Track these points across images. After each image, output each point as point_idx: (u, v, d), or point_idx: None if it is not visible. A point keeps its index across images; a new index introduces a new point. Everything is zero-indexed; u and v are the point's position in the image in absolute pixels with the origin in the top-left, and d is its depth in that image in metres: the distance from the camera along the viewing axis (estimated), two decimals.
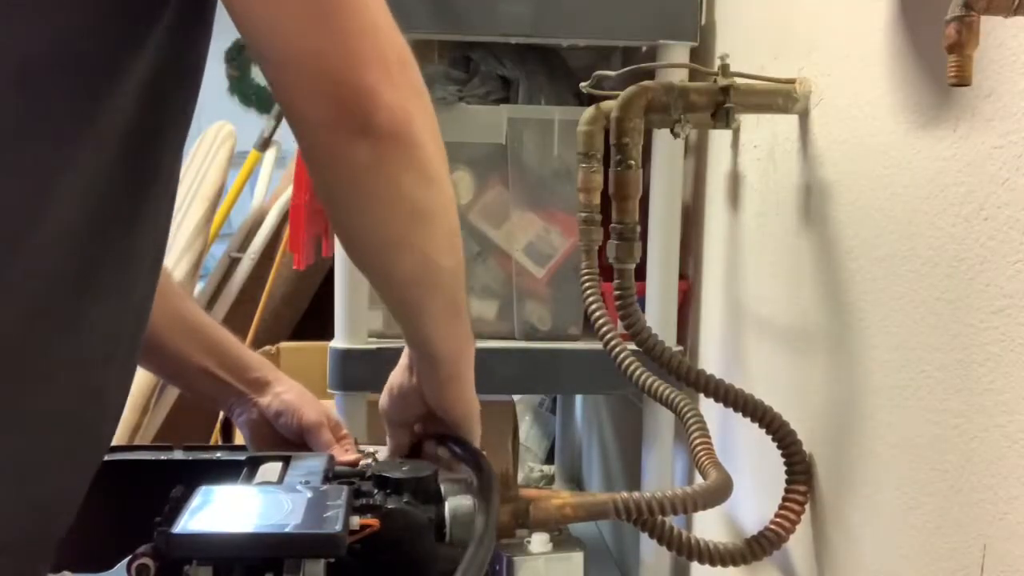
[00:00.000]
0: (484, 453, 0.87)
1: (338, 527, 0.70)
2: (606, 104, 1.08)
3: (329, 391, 1.39)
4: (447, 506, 0.81)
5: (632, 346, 1.11)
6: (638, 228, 1.06)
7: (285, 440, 0.98)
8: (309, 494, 0.76)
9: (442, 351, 0.84)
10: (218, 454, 0.99)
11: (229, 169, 2.29)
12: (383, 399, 0.93)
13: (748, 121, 1.22)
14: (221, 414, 1.68)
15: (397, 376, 0.91)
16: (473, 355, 0.87)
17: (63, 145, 0.64)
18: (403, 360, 0.90)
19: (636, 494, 0.97)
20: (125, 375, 0.75)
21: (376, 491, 0.82)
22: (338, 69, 0.64)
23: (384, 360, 1.42)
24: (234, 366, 0.98)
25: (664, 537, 1.03)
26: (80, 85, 0.64)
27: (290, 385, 1.01)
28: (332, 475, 0.86)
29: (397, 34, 0.68)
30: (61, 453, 0.69)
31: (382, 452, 0.96)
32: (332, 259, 1.52)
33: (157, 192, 0.72)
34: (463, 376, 0.87)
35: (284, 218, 2.40)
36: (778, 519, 1.05)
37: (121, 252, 0.70)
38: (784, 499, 1.05)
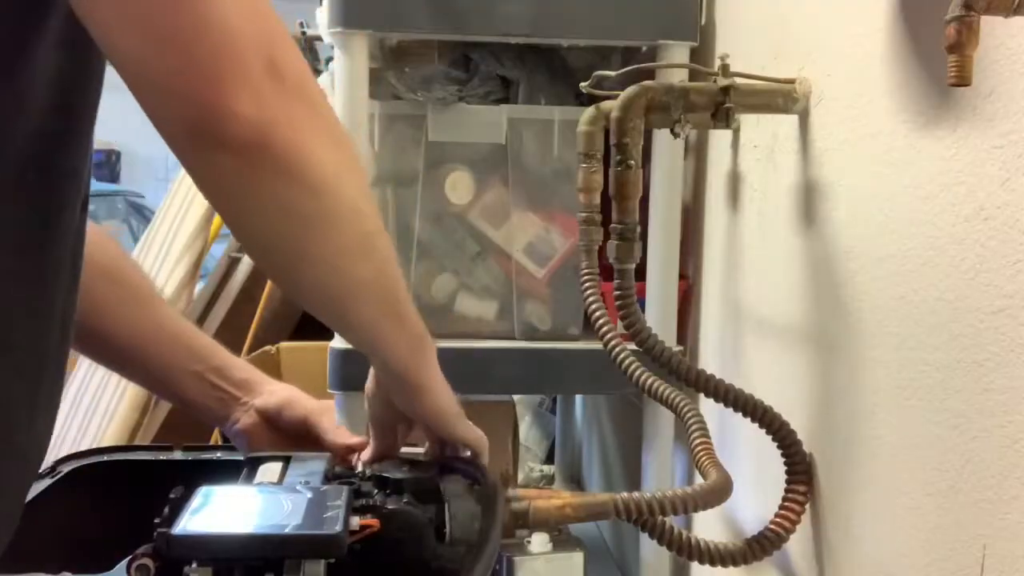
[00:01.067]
0: (484, 466, 0.87)
1: (338, 528, 0.71)
2: (606, 104, 1.08)
3: (329, 391, 1.39)
4: (447, 506, 0.81)
5: (632, 346, 1.11)
6: (638, 228, 1.06)
7: (284, 441, 0.98)
8: (309, 494, 0.77)
9: (392, 362, 0.82)
10: (218, 454, 1.00)
11: None
12: (365, 404, 0.92)
13: (748, 121, 1.22)
14: None
15: (368, 383, 0.90)
16: (432, 359, 0.84)
17: None
18: (372, 368, 0.89)
19: (636, 494, 0.97)
20: (54, 393, 0.73)
21: (376, 491, 0.82)
22: (187, 89, 0.62)
23: None
24: (220, 368, 0.98)
25: (664, 537, 1.03)
26: None
27: (280, 383, 1.01)
28: (332, 475, 0.86)
29: (267, 40, 0.64)
30: None
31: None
32: None
33: (71, 199, 0.71)
34: (427, 385, 0.84)
35: None
36: (778, 519, 1.05)
37: (37, 266, 0.69)
38: (784, 499, 1.05)
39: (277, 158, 0.65)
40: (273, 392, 0.99)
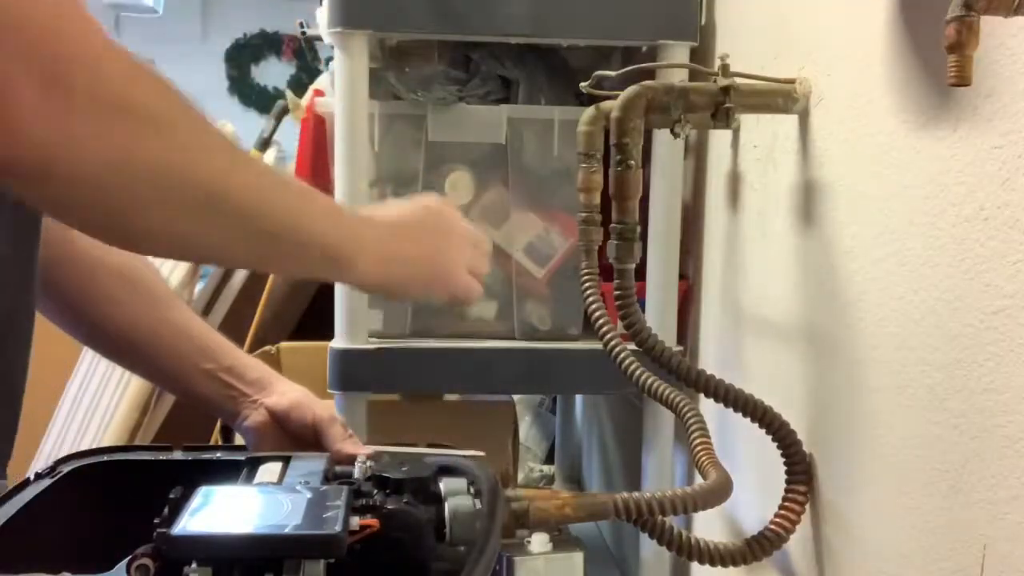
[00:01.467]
0: (485, 462, 0.86)
1: (338, 528, 0.70)
2: (606, 104, 1.08)
3: (329, 391, 1.39)
4: (447, 506, 0.81)
5: (632, 346, 1.11)
6: (638, 228, 1.06)
7: (292, 442, 0.98)
8: (309, 494, 0.76)
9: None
10: (218, 454, 0.99)
11: None
12: None
13: (748, 121, 1.22)
14: None
15: None
16: (361, 250, 0.81)
17: None
18: None
19: (636, 494, 0.97)
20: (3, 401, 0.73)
21: (376, 491, 0.82)
22: None
23: (384, 360, 1.42)
24: (233, 367, 0.98)
25: (664, 537, 1.03)
26: None
27: (293, 385, 1.01)
28: (332, 475, 0.86)
29: (47, 45, 0.55)
30: None
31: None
32: None
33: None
34: (355, 276, 0.84)
35: None
36: (778, 519, 1.05)
37: None
38: (784, 499, 1.05)
39: (63, 183, 0.58)
40: (284, 393, 0.99)
